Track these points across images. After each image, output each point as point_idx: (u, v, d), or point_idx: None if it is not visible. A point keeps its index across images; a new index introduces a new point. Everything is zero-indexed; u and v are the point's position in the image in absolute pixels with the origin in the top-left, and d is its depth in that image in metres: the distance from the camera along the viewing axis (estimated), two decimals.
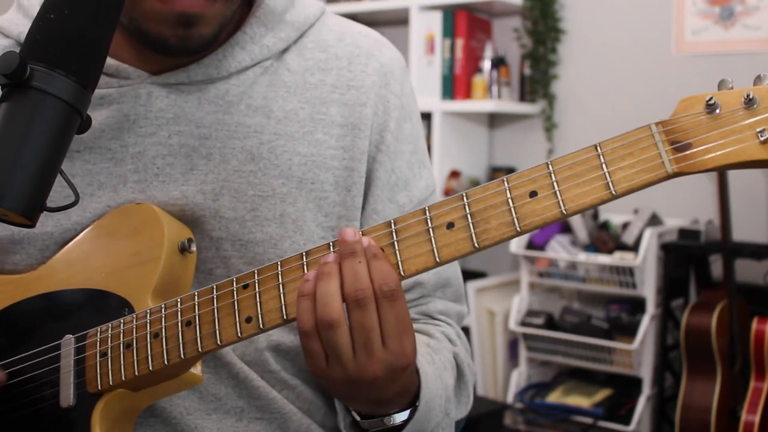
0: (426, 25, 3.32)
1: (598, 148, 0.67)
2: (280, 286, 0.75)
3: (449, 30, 3.30)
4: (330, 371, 0.73)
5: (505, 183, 0.69)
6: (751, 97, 0.63)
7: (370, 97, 0.94)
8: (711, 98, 0.63)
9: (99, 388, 0.81)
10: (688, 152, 0.64)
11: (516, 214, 0.68)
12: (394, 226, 0.72)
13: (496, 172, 3.47)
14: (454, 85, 3.30)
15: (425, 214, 0.71)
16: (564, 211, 0.67)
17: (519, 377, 3.10)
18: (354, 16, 3.48)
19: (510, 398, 3.08)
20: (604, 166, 0.66)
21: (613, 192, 0.66)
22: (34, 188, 0.70)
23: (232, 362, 0.90)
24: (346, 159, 0.92)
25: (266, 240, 0.89)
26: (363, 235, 0.73)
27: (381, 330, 0.72)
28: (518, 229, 0.68)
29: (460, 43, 3.28)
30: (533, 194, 0.68)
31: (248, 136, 0.90)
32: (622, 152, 0.66)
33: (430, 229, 0.71)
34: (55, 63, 0.71)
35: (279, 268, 0.76)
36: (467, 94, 3.30)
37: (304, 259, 0.75)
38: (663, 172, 0.64)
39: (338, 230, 0.90)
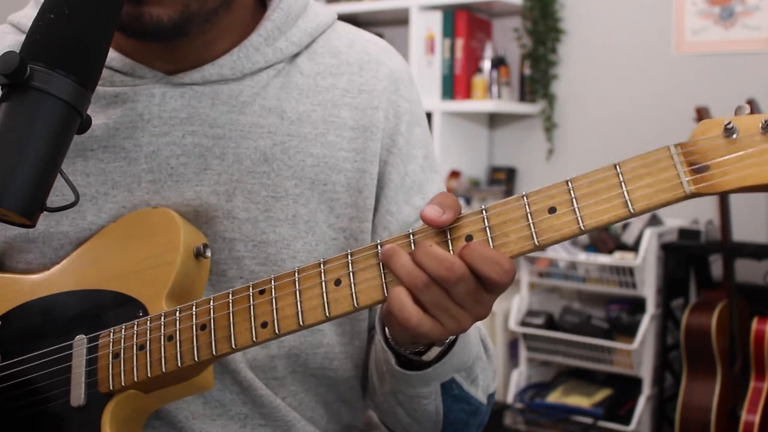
0: (426, 25, 3.32)
1: (618, 167, 0.68)
2: (297, 292, 0.76)
3: (449, 30, 3.30)
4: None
5: (525, 198, 0.70)
6: None
7: (381, 102, 0.95)
8: (729, 123, 0.65)
9: (111, 388, 0.82)
10: (705, 174, 0.65)
11: (534, 228, 0.69)
12: (413, 237, 0.73)
13: (496, 172, 3.47)
14: (454, 85, 3.31)
15: None
16: (582, 228, 0.68)
17: (519, 377, 3.11)
18: (354, 16, 3.48)
19: (510, 398, 3.08)
20: (623, 184, 0.67)
21: (632, 210, 0.67)
22: (34, 188, 0.70)
23: (238, 369, 0.90)
24: (357, 161, 0.93)
25: (279, 240, 0.90)
26: (382, 245, 0.73)
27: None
28: (537, 243, 0.69)
29: (460, 43, 3.28)
30: (552, 210, 0.69)
31: (262, 136, 0.90)
32: (640, 171, 0.67)
33: (449, 241, 0.72)
34: (55, 63, 0.71)
35: (296, 275, 0.76)
36: (467, 94, 3.30)
37: (322, 267, 0.75)
38: (681, 192, 0.65)
39: (349, 231, 0.92)
